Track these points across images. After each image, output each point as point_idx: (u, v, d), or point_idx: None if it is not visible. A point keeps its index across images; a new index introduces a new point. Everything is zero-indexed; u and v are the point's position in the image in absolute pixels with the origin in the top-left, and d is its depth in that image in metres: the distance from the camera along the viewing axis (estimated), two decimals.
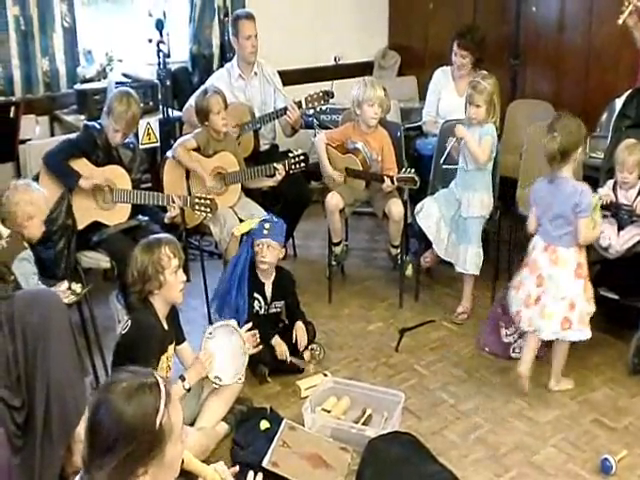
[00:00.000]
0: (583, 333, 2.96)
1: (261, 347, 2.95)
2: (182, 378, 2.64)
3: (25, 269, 2.71)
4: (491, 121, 3.49)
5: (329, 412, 2.90)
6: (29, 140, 3.60)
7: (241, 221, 3.59)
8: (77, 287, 2.85)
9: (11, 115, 3.53)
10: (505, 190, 3.83)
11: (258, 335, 2.93)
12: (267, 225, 3.19)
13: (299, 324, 3.28)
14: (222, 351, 2.78)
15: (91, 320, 3.16)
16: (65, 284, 2.82)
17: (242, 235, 3.57)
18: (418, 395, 3.10)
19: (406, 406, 2.95)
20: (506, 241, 3.88)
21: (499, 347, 3.37)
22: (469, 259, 3.54)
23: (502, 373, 3.26)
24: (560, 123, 2.90)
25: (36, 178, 3.26)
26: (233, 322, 2.86)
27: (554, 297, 2.93)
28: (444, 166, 3.69)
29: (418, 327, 3.63)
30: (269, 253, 3.20)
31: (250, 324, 2.93)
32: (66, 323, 2.39)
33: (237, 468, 1.85)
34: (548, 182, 2.98)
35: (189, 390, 2.65)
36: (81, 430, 2.23)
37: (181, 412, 1.54)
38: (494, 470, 2.66)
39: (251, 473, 1.75)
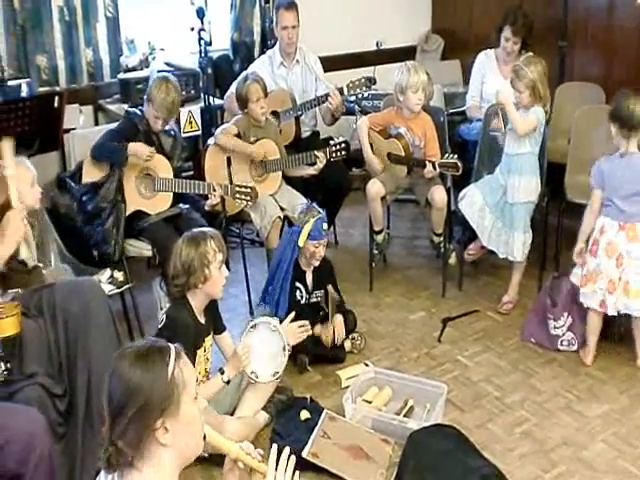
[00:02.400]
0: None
1: (302, 338, 2.93)
2: (221, 371, 2.64)
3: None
4: (538, 105, 3.37)
5: (370, 403, 2.87)
6: (73, 129, 3.64)
7: (282, 209, 3.57)
8: (119, 275, 2.87)
9: (55, 105, 3.56)
10: (553, 176, 3.71)
11: (302, 325, 2.90)
12: (324, 225, 3.16)
13: (338, 317, 3.23)
14: (261, 347, 2.76)
15: (134, 307, 3.19)
16: (108, 272, 2.84)
17: (283, 226, 3.57)
18: (461, 387, 3.04)
19: (449, 398, 2.90)
20: (554, 229, 3.76)
21: (546, 338, 3.28)
22: (515, 246, 3.45)
23: (549, 365, 3.18)
24: (632, 94, 2.94)
25: (79, 167, 3.30)
26: (275, 321, 2.84)
27: (635, 272, 2.92)
28: (491, 133, 3.61)
29: (461, 317, 3.56)
30: (323, 249, 3.19)
31: (293, 314, 2.91)
32: (107, 312, 2.41)
33: (261, 451, 1.82)
34: (616, 158, 2.95)
35: (228, 383, 2.65)
36: None
37: (194, 375, 1.56)
38: (541, 465, 2.59)
39: (275, 446, 1.72)
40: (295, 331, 2.87)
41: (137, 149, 3.21)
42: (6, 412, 2.01)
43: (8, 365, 2.00)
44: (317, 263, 3.21)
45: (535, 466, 2.58)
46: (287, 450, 1.70)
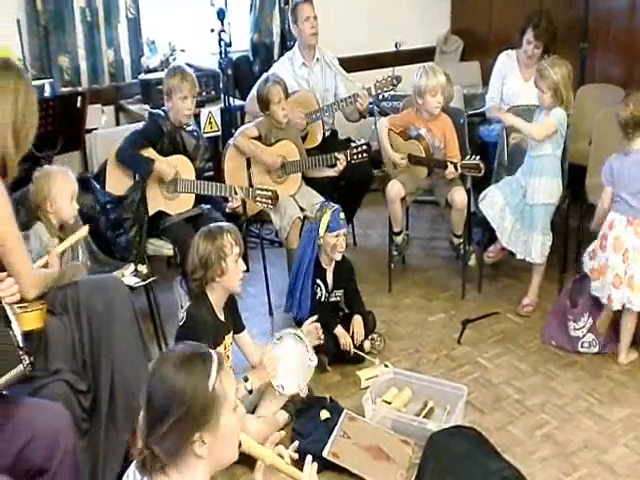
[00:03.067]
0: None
1: (322, 338, 2.93)
2: (245, 379, 2.65)
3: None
4: (559, 106, 3.36)
5: (390, 404, 2.87)
6: (95, 129, 3.69)
7: (302, 210, 3.58)
8: (143, 268, 2.90)
9: (78, 105, 3.60)
10: (574, 178, 3.69)
11: (321, 328, 2.91)
12: (341, 215, 3.16)
13: (357, 318, 3.23)
14: (287, 359, 2.78)
15: (155, 307, 3.20)
16: (132, 266, 2.87)
17: (303, 227, 3.57)
18: (481, 389, 3.03)
19: (469, 400, 2.89)
20: (575, 232, 3.74)
21: (567, 341, 3.26)
22: (534, 248, 3.43)
23: (570, 368, 3.16)
24: (635, 96, 3.01)
25: (103, 168, 3.33)
26: (300, 332, 2.85)
27: (630, 271, 2.96)
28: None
29: (481, 319, 3.55)
30: (344, 240, 3.18)
31: (315, 317, 2.92)
32: (130, 309, 2.42)
33: (296, 455, 1.83)
34: (624, 156, 3.01)
35: (251, 392, 2.65)
36: None
37: (234, 384, 1.55)
38: (562, 468, 2.57)
39: (309, 457, 1.73)
40: (314, 332, 2.87)
41: (163, 169, 3.25)
42: (32, 407, 2.03)
43: (32, 359, 2.01)
44: (340, 256, 3.19)
45: (556, 469, 2.57)
46: (315, 464, 1.72)
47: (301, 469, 1.72)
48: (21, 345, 1.99)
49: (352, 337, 3.20)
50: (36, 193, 2.66)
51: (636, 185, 2.99)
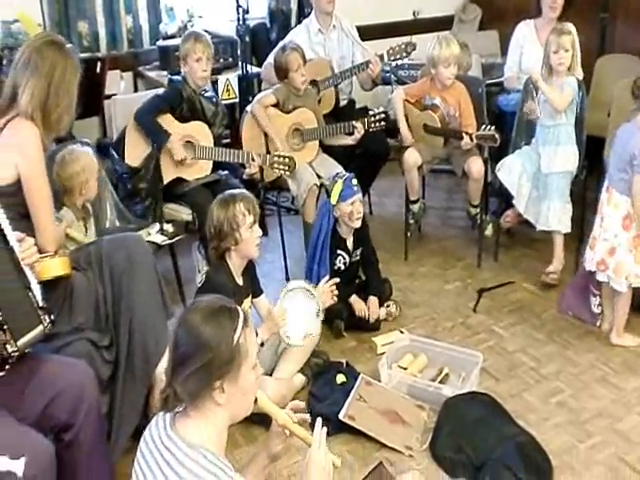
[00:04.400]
0: (616, 284, 2.96)
1: (336, 300, 2.94)
2: (255, 333, 2.67)
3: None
4: (574, 73, 3.34)
5: (405, 369, 2.89)
6: (114, 95, 3.69)
7: (319, 177, 3.58)
8: (169, 227, 2.94)
9: (97, 71, 3.61)
10: (592, 149, 3.66)
11: (336, 291, 2.92)
12: (354, 181, 3.14)
13: (373, 299, 3.23)
14: (297, 311, 2.79)
15: (175, 270, 3.23)
16: (157, 226, 2.90)
17: (320, 194, 3.58)
18: (496, 357, 3.05)
19: (484, 367, 2.91)
20: (593, 203, 3.71)
21: (587, 315, 3.25)
22: (551, 216, 3.42)
23: (586, 337, 3.17)
24: None
25: (122, 136, 3.34)
26: (310, 286, 2.87)
27: (602, 236, 2.99)
28: (526, 117, 3.56)
29: (497, 288, 3.56)
30: (360, 206, 3.17)
31: (329, 278, 2.94)
32: (151, 264, 2.45)
33: (307, 416, 1.89)
34: (626, 122, 2.98)
35: (262, 345, 2.69)
36: (162, 371, 2.33)
37: (257, 344, 1.62)
38: (576, 435, 2.60)
39: (319, 420, 1.76)
40: (328, 293, 2.89)
41: (175, 148, 3.25)
42: (56, 365, 2.07)
43: (52, 317, 2.04)
44: (359, 223, 3.18)
45: (570, 436, 2.59)
46: (324, 429, 1.74)
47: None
48: (41, 305, 2.03)
49: (368, 314, 3.21)
50: (67, 179, 2.65)
51: (618, 152, 2.94)
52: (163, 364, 2.32)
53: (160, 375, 2.32)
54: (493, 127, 3.45)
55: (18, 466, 1.53)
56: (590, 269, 3.06)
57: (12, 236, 2.00)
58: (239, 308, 1.58)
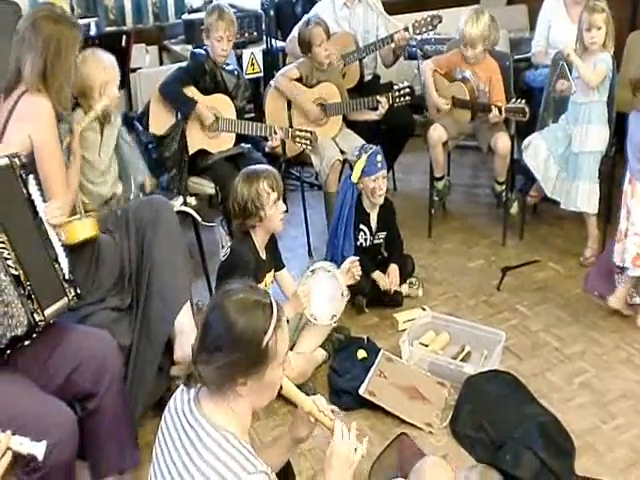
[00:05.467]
0: None
1: (357, 279, 2.93)
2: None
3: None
4: (607, 50, 3.25)
5: (427, 346, 2.88)
6: (139, 69, 3.69)
7: (342, 152, 3.55)
8: (192, 200, 2.94)
9: (122, 44, 3.60)
10: (621, 126, 3.56)
11: (359, 271, 2.91)
12: (379, 157, 3.11)
13: (393, 267, 3.22)
14: (321, 290, 2.79)
15: (198, 244, 3.24)
16: (180, 199, 2.91)
17: (343, 169, 3.56)
18: (520, 335, 3.02)
19: (507, 346, 2.89)
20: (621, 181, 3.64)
21: (611, 293, 3.20)
22: (581, 196, 3.36)
23: (610, 318, 3.11)
24: None
25: (147, 108, 3.34)
26: (333, 266, 2.86)
27: (631, 231, 2.91)
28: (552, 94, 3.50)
29: (522, 266, 3.51)
30: (384, 183, 3.14)
31: (355, 258, 2.92)
32: (174, 224, 2.49)
33: (336, 408, 1.86)
34: (636, 112, 2.95)
35: (287, 322, 2.68)
36: (181, 322, 2.36)
37: (287, 341, 1.59)
38: (599, 416, 2.57)
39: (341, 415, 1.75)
40: (350, 272, 2.88)
41: (204, 112, 3.24)
42: (80, 335, 2.10)
43: (77, 291, 2.07)
44: (381, 199, 3.17)
45: (593, 417, 2.56)
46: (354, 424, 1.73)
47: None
48: (67, 278, 2.05)
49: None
50: (85, 79, 2.51)
51: (633, 142, 2.93)
52: (185, 317, 2.36)
53: (179, 325, 2.37)
54: (523, 100, 3.39)
55: (39, 450, 1.55)
56: (619, 264, 3.00)
57: (41, 206, 2.03)
58: (274, 304, 1.55)
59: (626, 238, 2.95)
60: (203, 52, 3.35)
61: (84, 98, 2.56)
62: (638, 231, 2.92)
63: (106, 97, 2.54)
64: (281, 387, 1.67)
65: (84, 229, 2.28)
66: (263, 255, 2.73)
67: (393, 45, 3.74)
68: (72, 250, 2.18)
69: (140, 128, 3.29)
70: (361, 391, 2.59)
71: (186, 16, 4.23)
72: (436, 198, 3.81)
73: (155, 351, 2.38)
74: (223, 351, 1.48)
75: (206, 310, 1.56)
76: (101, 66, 2.55)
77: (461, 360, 2.79)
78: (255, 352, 1.48)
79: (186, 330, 2.36)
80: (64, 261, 2.08)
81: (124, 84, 3.55)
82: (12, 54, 2.29)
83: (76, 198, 2.40)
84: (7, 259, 1.79)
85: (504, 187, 3.69)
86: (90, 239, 2.31)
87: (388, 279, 3.18)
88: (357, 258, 2.93)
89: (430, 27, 3.70)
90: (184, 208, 2.92)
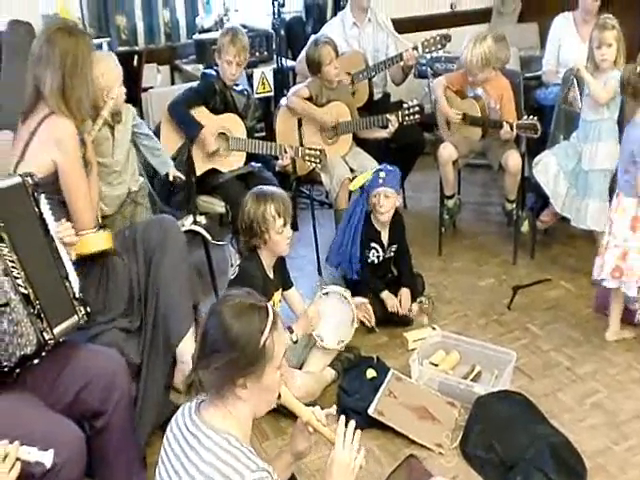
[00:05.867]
0: (628, 289, 2.88)
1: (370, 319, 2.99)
2: (290, 330, 2.68)
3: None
4: (618, 67, 3.25)
5: (437, 366, 2.86)
6: (151, 88, 3.74)
7: (352, 171, 3.57)
8: (202, 219, 2.97)
9: (134, 64, 3.65)
10: None
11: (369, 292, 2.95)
12: (382, 174, 3.12)
13: (405, 291, 3.20)
14: (331, 314, 2.80)
15: (208, 263, 3.25)
16: (190, 217, 2.94)
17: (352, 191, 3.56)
18: (531, 355, 3.00)
19: (517, 366, 2.86)
20: None
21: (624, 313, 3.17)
22: (590, 215, 3.34)
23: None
24: None
25: (158, 127, 3.37)
26: (347, 293, 2.87)
27: (612, 243, 2.91)
28: (568, 108, 3.51)
29: (533, 285, 3.49)
30: (386, 202, 3.13)
31: (367, 300, 2.98)
32: (182, 245, 2.50)
33: (333, 410, 1.88)
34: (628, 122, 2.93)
35: (296, 342, 2.69)
36: (183, 350, 2.38)
37: (284, 345, 1.62)
38: (611, 437, 2.53)
39: (342, 418, 1.73)
40: (363, 309, 2.92)
41: (207, 139, 3.26)
42: (89, 353, 2.11)
43: (87, 309, 2.09)
44: (383, 218, 3.16)
45: (605, 438, 2.53)
46: (352, 423, 1.72)
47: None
48: (77, 296, 2.07)
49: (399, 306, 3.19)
50: None
51: (622, 154, 2.91)
52: (187, 345, 2.37)
53: (181, 355, 2.38)
54: (535, 117, 3.39)
55: (47, 458, 1.55)
56: (598, 277, 2.97)
57: (53, 225, 2.05)
58: (270, 307, 1.58)
59: (606, 251, 2.93)
60: (214, 72, 3.38)
61: (93, 109, 2.53)
62: (619, 243, 2.89)
63: (110, 100, 2.55)
64: (279, 396, 1.69)
65: (101, 242, 2.32)
66: (271, 274, 2.74)
67: (402, 64, 3.76)
68: (82, 271, 2.20)
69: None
70: (370, 411, 2.58)
71: (197, 36, 4.29)
72: (446, 216, 3.81)
73: (163, 370, 2.40)
74: (221, 352, 1.51)
75: (204, 318, 1.59)
76: (99, 73, 2.51)
77: (471, 380, 2.77)
78: (252, 351, 1.51)
79: (186, 360, 2.35)
80: (74, 280, 2.09)
81: (136, 103, 3.58)
82: (29, 75, 2.29)
83: (97, 209, 2.44)
84: (17, 278, 1.81)
85: (515, 205, 3.68)
86: (105, 252, 2.35)
87: (399, 302, 3.17)
88: (367, 301, 2.97)
89: (439, 46, 3.73)
90: (194, 227, 2.94)
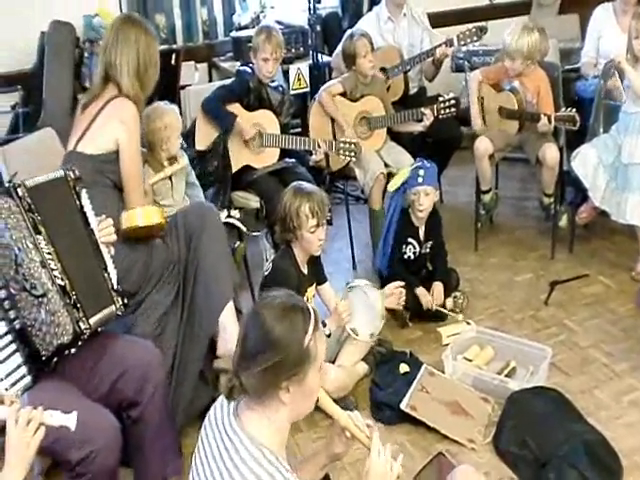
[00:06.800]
0: None
1: (402, 304, 2.97)
2: (323, 324, 2.70)
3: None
4: None
5: (471, 361, 2.84)
6: (189, 86, 3.78)
7: (386, 166, 3.57)
8: (236, 213, 3.03)
9: (173, 62, 3.71)
10: None
11: (403, 287, 2.94)
12: (421, 172, 3.11)
13: (437, 285, 3.19)
14: (361, 308, 2.80)
15: (243, 258, 3.29)
16: (225, 212, 3.01)
17: (387, 183, 3.55)
18: (567, 351, 2.95)
19: (554, 362, 2.83)
20: None
21: None
22: (630, 209, 3.26)
23: None
24: None
25: (193, 124, 3.43)
26: (374, 287, 2.86)
27: None
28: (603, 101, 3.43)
29: (571, 281, 3.43)
30: (426, 200, 3.13)
31: (401, 283, 2.95)
32: (220, 225, 2.62)
33: (374, 427, 1.82)
34: None
35: (329, 336, 2.70)
36: (225, 318, 2.44)
37: (325, 345, 1.60)
38: None
39: (377, 433, 1.71)
40: (396, 296, 2.91)
41: (244, 128, 3.31)
42: (125, 344, 2.16)
43: (125, 300, 2.14)
44: (421, 215, 3.17)
45: None
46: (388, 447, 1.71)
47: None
48: (115, 288, 2.12)
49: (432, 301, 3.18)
50: (150, 133, 2.79)
51: None
52: (229, 315, 2.43)
53: (223, 324, 2.44)
54: (574, 109, 3.33)
55: (71, 421, 1.60)
56: None
57: (93, 219, 2.10)
58: (312, 308, 1.57)
59: None
60: (249, 70, 3.41)
61: (150, 152, 2.80)
62: None
63: (177, 164, 2.83)
64: (317, 399, 1.67)
65: (153, 215, 2.43)
66: (304, 269, 2.76)
67: (434, 58, 3.73)
68: (126, 252, 2.31)
69: (185, 145, 3.37)
70: (402, 405, 2.58)
71: (234, 33, 4.33)
72: (483, 211, 3.77)
73: (199, 350, 2.45)
74: (264, 356, 1.49)
75: (246, 318, 1.58)
76: (161, 124, 2.79)
77: (506, 376, 2.74)
78: (297, 352, 1.49)
79: (229, 327, 2.45)
80: (113, 272, 2.14)
81: (174, 101, 3.65)
82: (100, 63, 2.47)
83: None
84: (53, 270, 1.86)
85: (552, 200, 3.62)
86: (158, 226, 2.44)
87: (432, 296, 3.15)
88: (401, 283, 2.94)
89: (475, 38, 3.69)
90: (228, 219, 2.98)
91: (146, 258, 2.45)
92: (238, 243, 3.03)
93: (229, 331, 2.43)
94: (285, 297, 1.57)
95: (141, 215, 2.40)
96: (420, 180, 3.10)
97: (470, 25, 3.71)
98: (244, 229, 3.10)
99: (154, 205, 2.66)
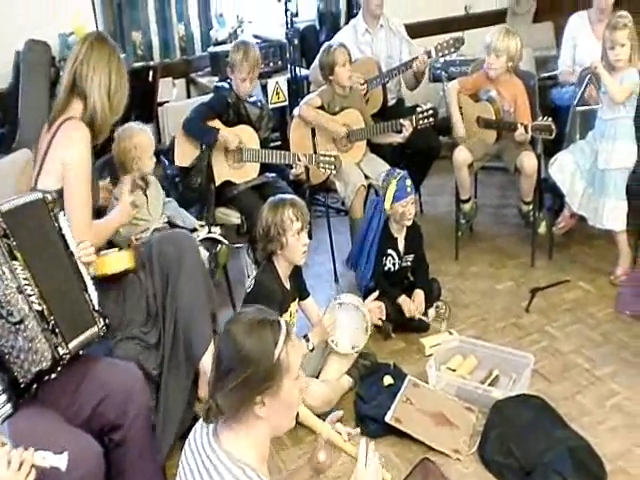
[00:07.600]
0: None
1: (383, 318, 2.99)
2: (306, 338, 2.70)
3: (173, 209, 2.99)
4: (634, 65, 3.22)
5: (454, 371, 2.86)
6: (167, 102, 3.79)
7: (366, 177, 3.58)
8: (216, 229, 3.02)
9: (149, 79, 3.71)
10: None
11: (385, 298, 2.95)
12: (407, 182, 3.14)
13: (418, 292, 3.21)
14: (345, 322, 2.81)
15: (224, 274, 3.29)
16: (205, 229, 3.00)
17: (368, 195, 3.58)
18: (549, 357, 2.98)
19: (536, 369, 2.85)
20: None
21: None
22: (607, 214, 3.31)
23: None
24: None
25: (173, 141, 3.42)
26: (360, 301, 2.87)
27: None
28: (578, 108, 3.47)
29: (551, 287, 3.46)
30: (412, 208, 3.18)
31: (377, 293, 2.96)
32: (198, 259, 2.53)
33: (358, 430, 1.85)
34: None
35: (312, 350, 2.71)
36: (206, 363, 2.38)
37: (300, 355, 1.60)
38: (632, 439, 2.51)
39: (364, 440, 1.71)
40: (376, 311, 2.93)
41: (227, 138, 3.31)
42: (107, 367, 2.14)
43: (107, 321, 2.12)
44: (410, 222, 3.20)
45: (626, 440, 2.50)
46: (372, 446, 1.70)
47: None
48: (96, 308, 2.10)
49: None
50: (121, 153, 2.80)
51: None
52: (210, 357, 2.36)
53: (204, 367, 2.40)
54: (550, 118, 3.37)
55: (62, 461, 1.58)
56: None
57: (72, 240, 2.08)
58: (282, 321, 1.57)
59: None
60: (227, 86, 3.42)
61: (121, 171, 2.79)
62: None
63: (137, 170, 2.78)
64: (297, 415, 1.67)
65: (122, 261, 2.37)
66: (287, 284, 2.76)
67: (416, 68, 3.76)
68: (99, 288, 2.21)
69: (166, 162, 3.37)
70: (387, 418, 2.58)
71: (212, 49, 4.33)
72: (463, 220, 3.80)
73: (185, 385, 2.43)
74: (235, 371, 1.49)
75: (217, 340, 1.59)
76: (131, 144, 2.78)
77: (489, 384, 2.76)
78: (268, 365, 1.50)
79: (209, 372, 2.38)
80: (93, 293, 2.12)
81: (152, 118, 3.65)
82: (67, 75, 2.36)
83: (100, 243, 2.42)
84: (30, 295, 1.84)
85: (531, 207, 3.66)
86: (128, 270, 2.39)
87: (413, 305, 3.17)
88: (376, 295, 2.96)
89: (453, 49, 3.73)
90: (209, 235, 2.97)
91: (118, 296, 2.41)
92: (220, 247, 2.99)
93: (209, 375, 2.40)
94: (254, 312, 1.58)
95: (109, 263, 2.33)
96: (409, 190, 3.13)
97: (447, 36, 3.75)
98: (226, 242, 3.10)
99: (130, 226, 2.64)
